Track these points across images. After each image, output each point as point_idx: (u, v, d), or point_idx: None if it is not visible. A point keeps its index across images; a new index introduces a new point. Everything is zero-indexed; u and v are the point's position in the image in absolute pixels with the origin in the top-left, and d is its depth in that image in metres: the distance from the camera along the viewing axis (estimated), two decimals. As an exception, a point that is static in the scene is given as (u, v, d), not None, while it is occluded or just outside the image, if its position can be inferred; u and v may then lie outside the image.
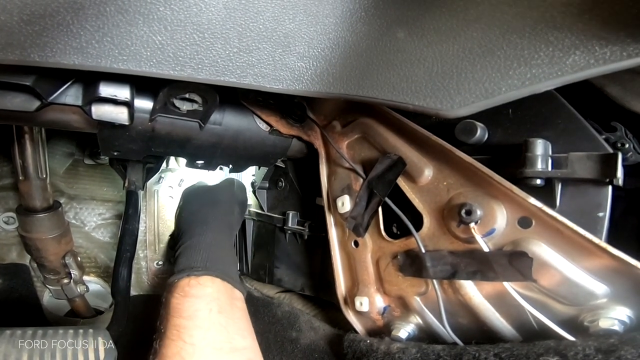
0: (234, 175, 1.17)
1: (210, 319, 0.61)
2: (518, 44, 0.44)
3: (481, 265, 0.53)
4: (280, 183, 1.02)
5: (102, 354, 0.62)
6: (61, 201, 1.00)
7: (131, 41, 0.46)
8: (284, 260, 1.00)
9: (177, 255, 0.74)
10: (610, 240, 0.51)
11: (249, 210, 1.12)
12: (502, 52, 0.44)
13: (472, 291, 0.56)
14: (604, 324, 0.46)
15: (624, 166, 0.53)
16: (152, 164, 0.94)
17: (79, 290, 1.02)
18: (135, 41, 0.47)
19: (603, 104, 0.55)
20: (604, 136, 0.53)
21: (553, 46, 0.42)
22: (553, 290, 0.49)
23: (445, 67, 0.48)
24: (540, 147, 0.51)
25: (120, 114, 0.60)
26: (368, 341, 0.65)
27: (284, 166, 0.98)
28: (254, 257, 1.13)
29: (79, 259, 1.01)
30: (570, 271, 0.48)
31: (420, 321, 0.64)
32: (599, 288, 0.47)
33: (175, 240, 0.86)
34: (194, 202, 0.92)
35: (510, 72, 0.44)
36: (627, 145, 0.54)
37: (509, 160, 0.54)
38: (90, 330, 0.66)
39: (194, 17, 0.47)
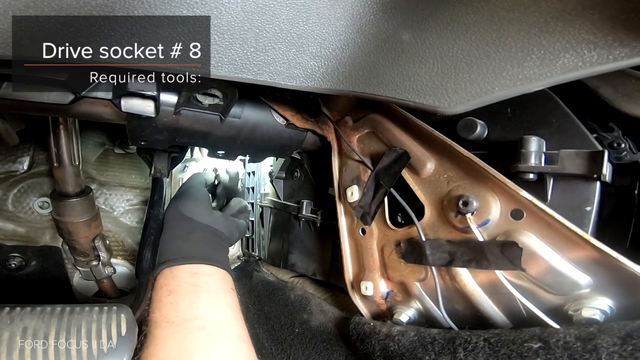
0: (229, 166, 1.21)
1: (162, 301, 0.69)
2: (512, 46, 0.46)
3: (476, 254, 0.56)
4: (296, 173, 1.06)
5: (124, 329, 0.64)
6: (92, 187, 1.01)
7: (157, 41, 0.50)
8: (297, 246, 1.03)
9: None
10: (600, 235, 0.53)
11: (267, 199, 1.16)
12: (498, 54, 0.47)
13: (467, 278, 0.59)
14: (586, 313, 0.49)
15: (619, 164, 0.56)
16: (176, 153, 0.97)
17: (106, 272, 1.05)
18: (160, 41, 0.50)
19: (604, 105, 0.56)
20: (595, 135, 0.55)
21: (545, 49, 0.44)
22: (540, 279, 0.52)
23: (445, 67, 0.51)
24: (534, 144, 0.53)
25: (147, 107, 0.64)
26: (372, 324, 0.68)
27: (299, 158, 1.01)
28: (271, 243, 1.16)
29: (108, 242, 1.04)
30: (557, 262, 0.50)
31: (420, 306, 0.67)
32: (582, 279, 0.50)
33: None
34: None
35: (503, 73, 0.47)
36: (622, 145, 0.56)
37: (506, 156, 0.57)
38: (114, 307, 0.68)
39: (214, 20, 0.49)
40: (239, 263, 1.34)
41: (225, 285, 0.76)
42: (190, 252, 0.78)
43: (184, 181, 1.16)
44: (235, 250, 1.36)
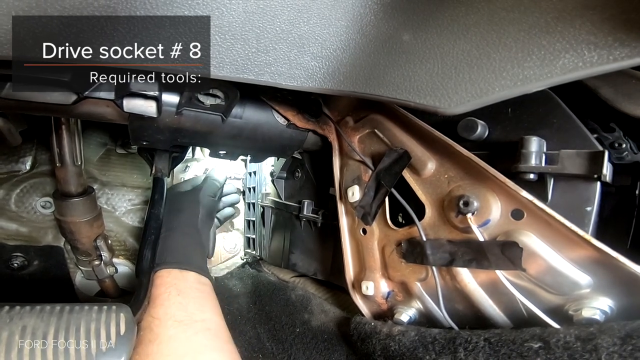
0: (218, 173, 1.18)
1: (169, 299, 0.72)
2: (512, 47, 0.46)
3: (476, 254, 0.56)
4: (297, 173, 1.06)
5: (123, 329, 0.64)
6: (94, 187, 1.02)
7: (157, 41, 0.50)
8: (298, 246, 1.03)
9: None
10: (601, 235, 0.53)
11: (268, 199, 1.16)
12: (498, 54, 0.47)
13: (468, 278, 0.59)
14: (587, 313, 0.49)
15: (620, 165, 0.56)
16: (177, 153, 0.97)
17: (108, 271, 1.05)
18: (160, 41, 0.50)
19: (604, 105, 0.56)
20: (596, 135, 0.55)
21: (545, 50, 0.44)
22: (541, 279, 0.52)
23: (445, 67, 0.51)
24: (534, 144, 0.54)
25: (149, 107, 0.64)
26: (372, 324, 0.68)
27: (300, 158, 1.01)
28: (272, 243, 1.17)
29: (109, 242, 1.04)
30: (557, 262, 0.50)
31: (420, 306, 0.67)
32: (583, 279, 0.49)
33: None
34: (167, 208, 1.00)
35: (504, 74, 0.47)
36: (623, 145, 0.56)
37: (506, 156, 0.57)
38: (113, 307, 0.68)
39: (215, 20, 0.50)
40: (240, 263, 1.34)
41: (215, 296, 0.81)
42: (198, 262, 0.84)
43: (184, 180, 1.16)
44: (236, 250, 1.36)
